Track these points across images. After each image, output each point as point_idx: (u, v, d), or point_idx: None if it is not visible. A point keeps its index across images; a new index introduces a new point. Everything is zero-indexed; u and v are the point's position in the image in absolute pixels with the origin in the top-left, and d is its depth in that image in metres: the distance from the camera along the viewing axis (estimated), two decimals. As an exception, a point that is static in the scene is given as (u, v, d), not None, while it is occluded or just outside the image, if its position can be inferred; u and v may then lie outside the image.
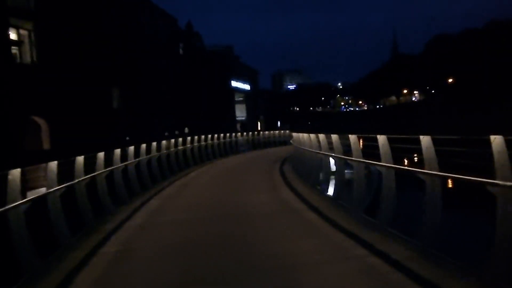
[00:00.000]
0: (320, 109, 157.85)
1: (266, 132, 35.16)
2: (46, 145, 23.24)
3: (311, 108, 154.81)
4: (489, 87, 71.09)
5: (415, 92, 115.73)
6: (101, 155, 8.88)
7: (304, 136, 13.04)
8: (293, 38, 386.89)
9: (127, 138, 32.61)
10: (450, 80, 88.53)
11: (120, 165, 10.10)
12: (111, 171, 9.54)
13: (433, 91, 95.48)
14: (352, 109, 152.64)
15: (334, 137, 8.71)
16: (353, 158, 7.49)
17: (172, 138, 17.57)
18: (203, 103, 49.03)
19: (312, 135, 11.72)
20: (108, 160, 9.65)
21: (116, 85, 31.68)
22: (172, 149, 15.99)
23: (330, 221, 6.86)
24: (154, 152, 13.66)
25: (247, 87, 65.45)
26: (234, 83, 60.25)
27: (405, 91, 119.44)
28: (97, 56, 28.27)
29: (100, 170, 8.80)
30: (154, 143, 13.54)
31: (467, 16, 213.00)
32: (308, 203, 8.57)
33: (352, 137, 7.52)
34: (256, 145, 31.63)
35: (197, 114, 47.05)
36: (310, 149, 11.32)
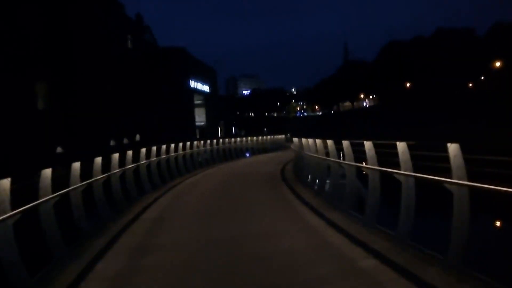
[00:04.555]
0: (275, 114, 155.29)
1: (238, 139, 29.00)
2: None
3: (266, 114, 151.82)
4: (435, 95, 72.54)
5: (367, 98, 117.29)
6: None
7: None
8: (246, 43, 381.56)
9: (58, 149, 25.05)
10: (408, 85, 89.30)
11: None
12: None
13: (375, 97, 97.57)
14: (306, 114, 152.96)
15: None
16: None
17: (120, 148, 11.35)
18: (158, 105, 41.91)
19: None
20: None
21: (42, 79, 24.03)
22: (116, 170, 9.47)
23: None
24: (98, 174, 7.40)
25: (206, 88, 58.68)
26: (193, 84, 53.29)
27: (362, 96, 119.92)
28: (11, 39, 20.79)
29: None
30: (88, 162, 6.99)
31: (415, 25, 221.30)
32: None
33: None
34: (227, 155, 25.45)
35: (150, 118, 39.88)
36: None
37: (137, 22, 47.26)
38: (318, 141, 9.42)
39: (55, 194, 5.70)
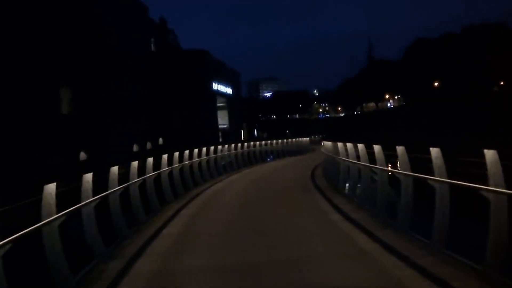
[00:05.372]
0: (297, 116, 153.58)
1: (263, 142, 27.97)
2: None
3: (288, 116, 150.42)
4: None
5: (392, 98, 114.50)
6: None
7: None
8: (268, 46, 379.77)
9: (82, 154, 24.76)
10: (436, 84, 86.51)
11: None
12: None
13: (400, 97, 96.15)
14: (328, 115, 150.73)
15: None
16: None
17: (142, 153, 10.59)
18: (181, 108, 41.50)
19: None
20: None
21: (66, 84, 23.80)
22: (135, 180, 8.63)
23: None
24: (114, 185, 6.62)
25: (229, 90, 58.00)
26: (216, 86, 52.72)
27: (387, 96, 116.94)
28: (36, 44, 20.56)
29: None
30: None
31: (443, 22, 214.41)
32: None
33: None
34: (251, 159, 24.50)
35: (173, 122, 39.47)
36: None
37: (161, 25, 47.14)
38: (360, 145, 8.28)
39: (60, 214, 4.84)
